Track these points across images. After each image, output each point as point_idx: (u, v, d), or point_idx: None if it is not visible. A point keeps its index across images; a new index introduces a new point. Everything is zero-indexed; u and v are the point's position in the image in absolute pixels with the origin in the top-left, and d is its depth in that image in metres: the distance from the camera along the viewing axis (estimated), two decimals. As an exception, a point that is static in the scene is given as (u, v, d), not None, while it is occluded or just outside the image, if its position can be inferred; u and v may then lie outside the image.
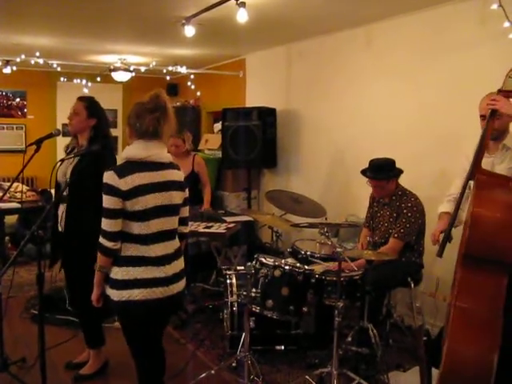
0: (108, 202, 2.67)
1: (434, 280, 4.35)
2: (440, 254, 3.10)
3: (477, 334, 2.66)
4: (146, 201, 2.70)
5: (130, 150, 2.78)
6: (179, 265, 2.90)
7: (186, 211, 3.00)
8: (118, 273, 2.73)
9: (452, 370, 2.63)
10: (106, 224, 2.68)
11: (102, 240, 2.70)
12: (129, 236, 2.73)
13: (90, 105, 3.74)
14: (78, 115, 3.70)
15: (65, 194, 3.57)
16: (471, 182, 3.01)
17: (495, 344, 2.58)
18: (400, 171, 4.32)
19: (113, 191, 2.65)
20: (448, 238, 3.10)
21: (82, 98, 3.79)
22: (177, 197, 2.86)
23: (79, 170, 3.54)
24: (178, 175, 2.91)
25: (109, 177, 2.68)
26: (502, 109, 2.93)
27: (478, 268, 2.77)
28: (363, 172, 4.36)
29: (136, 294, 2.70)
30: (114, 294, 2.73)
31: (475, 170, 2.95)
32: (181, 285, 2.89)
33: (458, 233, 3.08)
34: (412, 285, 4.24)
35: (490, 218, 2.74)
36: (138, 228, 2.71)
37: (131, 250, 2.73)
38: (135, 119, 2.79)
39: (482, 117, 3.25)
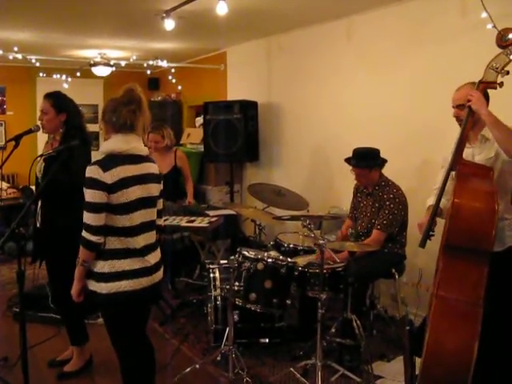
0: (92, 196, 2.67)
1: (416, 271, 4.39)
2: (422, 244, 3.12)
3: (457, 322, 2.71)
4: (129, 193, 2.74)
5: (110, 144, 2.80)
6: (159, 254, 2.99)
7: (161, 203, 3.07)
8: (104, 266, 2.75)
9: (433, 359, 2.67)
10: (90, 218, 2.68)
11: (85, 234, 2.70)
12: (112, 229, 2.75)
13: (56, 101, 3.68)
14: (46, 114, 3.66)
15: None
16: (453, 173, 3.06)
17: (475, 332, 2.62)
18: (384, 161, 4.35)
19: (98, 185, 2.67)
20: (430, 228, 3.12)
21: (47, 96, 3.72)
22: (154, 189, 2.93)
23: (50, 166, 3.51)
24: (155, 168, 2.98)
25: (93, 171, 2.69)
26: (473, 105, 2.99)
27: (458, 257, 2.82)
28: (347, 160, 4.38)
29: (124, 285, 2.74)
30: (102, 287, 2.74)
31: (456, 160, 3.02)
32: (161, 273, 2.98)
33: (441, 223, 3.10)
34: (396, 276, 4.26)
35: (470, 207, 2.79)
36: (122, 221, 2.74)
37: (115, 242, 2.76)
38: (111, 114, 2.81)
39: (458, 106, 3.26)
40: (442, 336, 2.70)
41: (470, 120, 3.04)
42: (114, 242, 2.76)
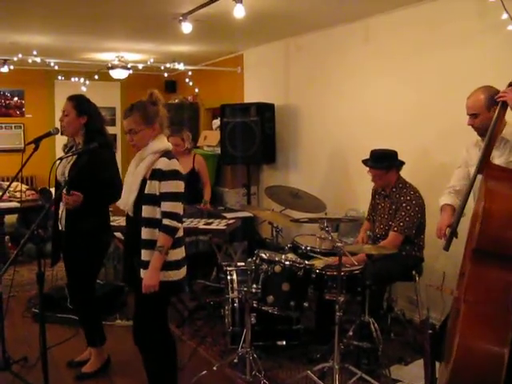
0: (179, 186, 2.94)
1: (439, 273, 4.36)
2: (447, 247, 3.12)
3: (487, 328, 2.63)
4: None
5: (163, 143, 3.07)
6: None
7: None
8: (177, 254, 3.00)
9: (463, 365, 2.61)
10: (178, 207, 2.93)
11: (172, 223, 2.90)
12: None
13: (78, 103, 3.72)
14: (67, 116, 3.70)
15: (64, 192, 3.56)
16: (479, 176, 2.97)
17: (505, 338, 2.55)
18: (401, 163, 4.32)
19: (181, 175, 2.97)
20: (454, 232, 3.11)
21: (70, 98, 3.77)
22: None
23: (77, 169, 3.54)
24: None
25: (175, 163, 2.95)
26: (510, 101, 2.95)
27: (487, 262, 2.74)
28: (364, 162, 4.37)
29: (185, 269, 3.06)
30: (176, 275, 2.99)
31: (484, 164, 2.92)
32: None
33: (463, 226, 3.08)
34: (417, 278, 4.22)
35: (502, 212, 2.70)
36: (181, 208, 2.99)
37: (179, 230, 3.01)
38: (162, 116, 3.08)
39: (471, 116, 3.33)
40: (470, 341, 2.63)
41: (501, 119, 3.00)
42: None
